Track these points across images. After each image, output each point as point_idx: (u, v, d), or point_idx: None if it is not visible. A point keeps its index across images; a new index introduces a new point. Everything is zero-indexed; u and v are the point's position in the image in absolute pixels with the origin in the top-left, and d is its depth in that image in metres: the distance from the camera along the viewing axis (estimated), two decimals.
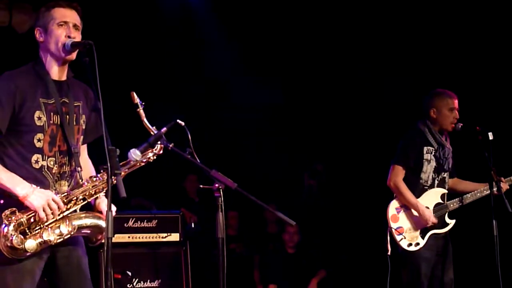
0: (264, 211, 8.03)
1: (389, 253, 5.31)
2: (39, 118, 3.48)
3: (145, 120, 3.55)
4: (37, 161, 3.48)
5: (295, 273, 7.87)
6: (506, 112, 7.32)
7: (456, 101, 5.46)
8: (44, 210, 3.36)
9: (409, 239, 5.35)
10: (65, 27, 3.53)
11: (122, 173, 3.42)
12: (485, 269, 5.87)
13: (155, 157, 3.65)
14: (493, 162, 5.29)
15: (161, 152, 3.62)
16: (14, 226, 3.34)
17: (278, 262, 7.90)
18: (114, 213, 3.33)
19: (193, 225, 7.39)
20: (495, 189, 5.37)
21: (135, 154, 3.49)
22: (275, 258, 7.96)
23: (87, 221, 3.54)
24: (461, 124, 5.43)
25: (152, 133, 3.55)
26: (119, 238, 5.68)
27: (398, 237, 5.33)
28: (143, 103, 3.56)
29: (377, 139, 8.03)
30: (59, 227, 3.44)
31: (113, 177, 3.22)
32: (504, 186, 5.53)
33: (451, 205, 5.47)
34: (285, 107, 8.75)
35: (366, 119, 8.47)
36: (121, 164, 3.41)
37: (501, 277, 5.15)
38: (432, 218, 5.34)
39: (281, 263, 7.89)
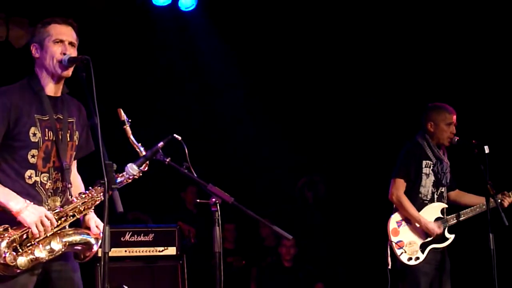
0: (260, 224, 8.01)
1: (389, 267, 5.31)
2: (34, 134, 3.49)
3: (131, 137, 3.56)
4: (30, 177, 3.49)
5: (292, 286, 7.83)
6: (501, 125, 7.33)
7: (454, 116, 5.46)
8: (37, 227, 3.36)
9: (409, 253, 5.34)
10: (60, 44, 3.54)
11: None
12: (483, 283, 5.85)
13: (140, 174, 3.60)
14: (489, 176, 5.29)
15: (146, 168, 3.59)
16: (7, 243, 3.34)
17: (275, 276, 7.88)
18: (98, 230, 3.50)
19: (192, 240, 7.36)
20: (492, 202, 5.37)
21: (132, 168, 3.50)
22: (272, 271, 7.93)
23: (77, 237, 3.55)
24: (457, 138, 5.44)
25: (137, 149, 3.55)
26: (116, 252, 5.67)
27: (398, 251, 5.33)
28: (130, 120, 3.56)
29: (376, 152, 8.04)
30: (50, 243, 3.44)
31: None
32: (509, 199, 5.53)
33: (451, 220, 5.47)
34: (283, 119, 8.75)
35: (364, 131, 8.47)
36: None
37: None
38: (436, 229, 5.34)
39: (278, 277, 7.86)
